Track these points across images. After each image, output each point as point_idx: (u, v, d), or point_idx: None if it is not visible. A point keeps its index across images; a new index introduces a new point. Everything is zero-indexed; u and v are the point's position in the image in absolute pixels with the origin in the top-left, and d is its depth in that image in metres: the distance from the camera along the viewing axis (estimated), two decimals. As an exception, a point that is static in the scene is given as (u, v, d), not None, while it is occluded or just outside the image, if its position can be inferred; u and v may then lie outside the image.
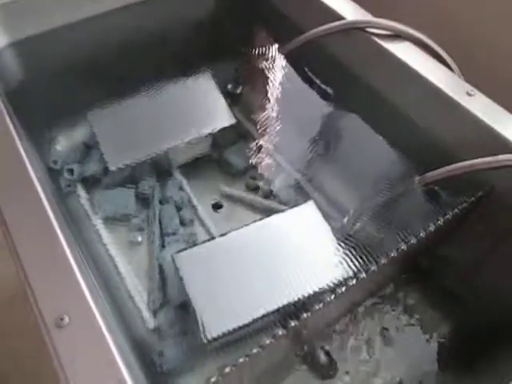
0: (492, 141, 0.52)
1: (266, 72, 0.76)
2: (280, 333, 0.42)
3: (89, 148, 0.69)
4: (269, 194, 0.68)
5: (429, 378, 0.59)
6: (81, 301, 0.37)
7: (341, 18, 0.64)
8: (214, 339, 0.51)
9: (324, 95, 0.71)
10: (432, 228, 0.50)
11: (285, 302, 0.52)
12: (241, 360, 0.40)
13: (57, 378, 0.35)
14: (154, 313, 0.57)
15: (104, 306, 0.41)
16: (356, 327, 0.61)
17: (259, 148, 0.71)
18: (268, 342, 0.41)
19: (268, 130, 0.73)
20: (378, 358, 0.59)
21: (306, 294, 0.53)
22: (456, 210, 0.51)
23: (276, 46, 0.75)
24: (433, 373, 0.59)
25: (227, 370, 0.39)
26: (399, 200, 0.60)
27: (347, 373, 0.58)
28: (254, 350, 0.40)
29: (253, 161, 0.70)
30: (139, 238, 0.64)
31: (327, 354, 0.58)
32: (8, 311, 0.89)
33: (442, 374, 0.59)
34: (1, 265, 0.80)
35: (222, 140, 0.70)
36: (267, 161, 0.70)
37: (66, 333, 0.36)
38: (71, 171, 0.66)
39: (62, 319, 0.36)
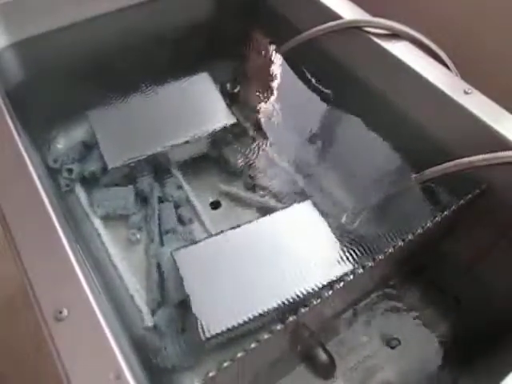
0: (489, 138, 0.52)
1: (265, 72, 0.77)
2: (278, 328, 0.42)
3: (88, 147, 0.69)
4: (267, 193, 0.68)
5: (429, 376, 0.59)
6: (80, 294, 0.38)
7: (339, 17, 0.64)
8: (213, 337, 0.51)
9: (322, 94, 0.72)
10: (429, 225, 0.50)
11: (283, 299, 0.53)
12: (239, 355, 0.40)
13: (56, 373, 0.35)
14: (153, 310, 0.57)
15: (102, 300, 0.41)
16: (355, 325, 0.61)
17: (257, 147, 0.72)
18: (266, 336, 0.41)
19: (266, 129, 0.73)
20: (377, 357, 0.59)
21: (303, 291, 0.53)
22: (453, 208, 0.51)
23: (274, 45, 0.76)
24: (433, 371, 0.59)
25: (225, 364, 0.39)
26: (397, 198, 0.61)
27: (346, 371, 0.58)
28: (252, 345, 0.41)
29: (251, 160, 0.71)
30: (138, 236, 0.64)
31: (326, 352, 0.58)
32: (8, 312, 0.89)
33: (443, 372, 0.59)
34: (1, 266, 0.80)
35: (220, 139, 0.70)
36: (265, 160, 0.71)
37: (64, 326, 0.36)
38: (70, 170, 0.66)
39: (60, 312, 0.36)
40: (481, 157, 0.52)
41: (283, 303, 0.52)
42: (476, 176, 0.54)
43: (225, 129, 0.68)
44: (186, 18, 0.78)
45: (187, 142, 0.66)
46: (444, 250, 0.62)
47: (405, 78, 0.60)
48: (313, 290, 0.53)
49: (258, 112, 0.75)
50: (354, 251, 0.55)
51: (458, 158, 0.53)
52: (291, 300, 0.53)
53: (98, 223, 0.64)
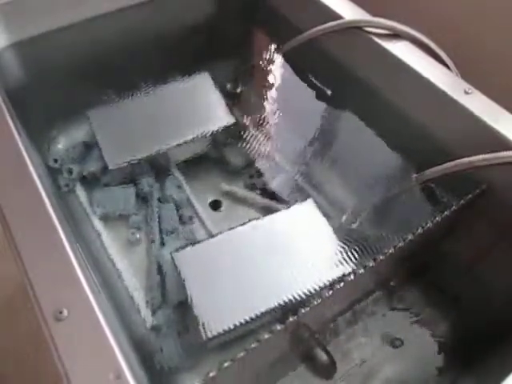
0: (489, 138, 0.52)
1: (265, 71, 0.77)
2: (278, 328, 0.42)
3: (88, 147, 0.69)
4: (268, 193, 0.68)
5: (429, 376, 0.58)
6: (80, 294, 0.37)
7: (339, 17, 0.64)
8: (214, 337, 0.51)
9: (322, 94, 0.72)
10: (429, 225, 0.50)
11: (284, 299, 0.52)
12: (239, 355, 0.40)
13: (56, 373, 0.35)
14: (153, 310, 0.57)
15: (102, 300, 0.41)
16: (355, 326, 0.61)
17: (258, 147, 0.72)
18: (266, 336, 0.41)
19: (267, 129, 0.73)
20: (378, 357, 0.59)
21: (304, 291, 0.53)
22: (453, 208, 0.51)
23: (274, 45, 0.76)
24: (433, 371, 0.59)
25: (226, 364, 0.39)
26: (397, 198, 0.61)
27: (347, 372, 0.58)
28: (253, 345, 0.41)
29: (251, 159, 0.70)
30: (138, 236, 0.64)
31: (327, 352, 0.58)
32: (8, 312, 0.89)
33: (443, 372, 0.59)
34: (1, 266, 0.80)
35: (220, 139, 0.70)
36: (266, 159, 0.71)
37: (64, 326, 0.36)
38: (70, 170, 0.66)
39: (60, 312, 0.36)
40: (481, 157, 0.51)
41: (284, 303, 0.52)
42: (476, 176, 0.53)
43: (225, 129, 0.67)
44: (186, 17, 0.77)
45: (187, 142, 0.66)
46: (444, 250, 0.62)
47: (405, 78, 0.59)
48: (313, 290, 0.53)
49: (258, 112, 0.75)
50: (354, 251, 0.55)
51: (458, 158, 0.53)
52: (292, 300, 0.52)
53: (97, 223, 0.64)
